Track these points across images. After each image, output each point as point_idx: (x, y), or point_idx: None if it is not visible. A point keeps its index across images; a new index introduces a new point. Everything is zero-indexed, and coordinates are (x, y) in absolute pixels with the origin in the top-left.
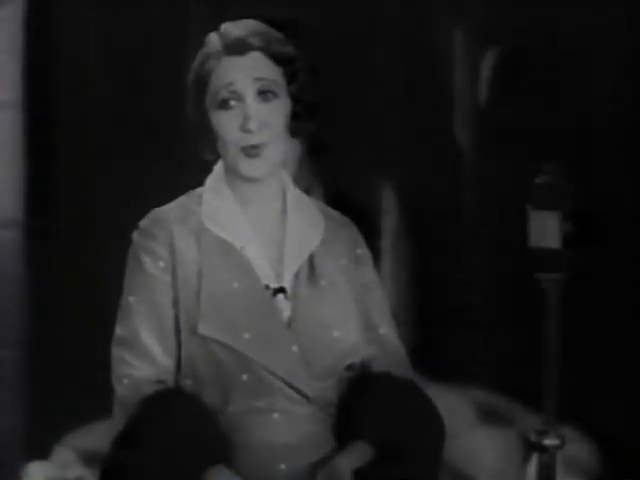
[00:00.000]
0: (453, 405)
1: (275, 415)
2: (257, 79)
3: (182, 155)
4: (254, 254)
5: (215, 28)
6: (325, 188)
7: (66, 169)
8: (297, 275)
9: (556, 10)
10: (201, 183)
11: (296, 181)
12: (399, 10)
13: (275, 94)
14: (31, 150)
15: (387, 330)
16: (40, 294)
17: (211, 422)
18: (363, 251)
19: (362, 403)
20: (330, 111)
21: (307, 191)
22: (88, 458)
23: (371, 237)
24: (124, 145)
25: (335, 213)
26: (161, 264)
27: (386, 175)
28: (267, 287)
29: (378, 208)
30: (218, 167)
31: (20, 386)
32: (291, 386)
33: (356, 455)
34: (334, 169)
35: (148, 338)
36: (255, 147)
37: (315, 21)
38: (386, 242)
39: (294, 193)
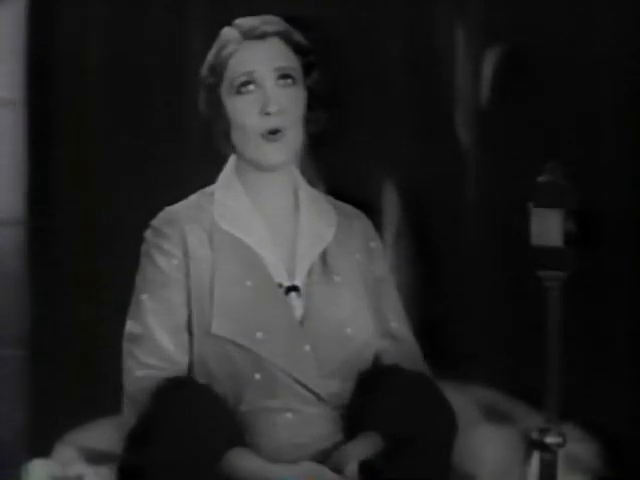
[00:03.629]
0: (455, 403)
1: (288, 415)
2: (277, 68)
3: (184, 155)
4: (267, 252)
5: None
6: (326, 185)
7: (66, 169)
8: (310, 272)
9: (557, 9)
10: (203, 183)
11: None
12: (401, 9)
13: (294, 81)
14: (32, 149)
15: (399, 324)
16: (40, 294)
17: (226, 407)
18: (376, 244)
19: (371, 394)
20: (332, 109)
21: None
22: (90, 456)
23: None
24: (125, 145)
25: (347, 207)
26: (175, 262)
27: (388, 172)
28: (280, 285)
29: (379, 205)
30: (229, 165)
31: (21, 385)
32: (303, 386)
33: (365, 444)
34: (335, 166)
35: (162, 336)
36: (275, 131)
37: (314, 21)
38: (387, 239)
39: (306, 189)
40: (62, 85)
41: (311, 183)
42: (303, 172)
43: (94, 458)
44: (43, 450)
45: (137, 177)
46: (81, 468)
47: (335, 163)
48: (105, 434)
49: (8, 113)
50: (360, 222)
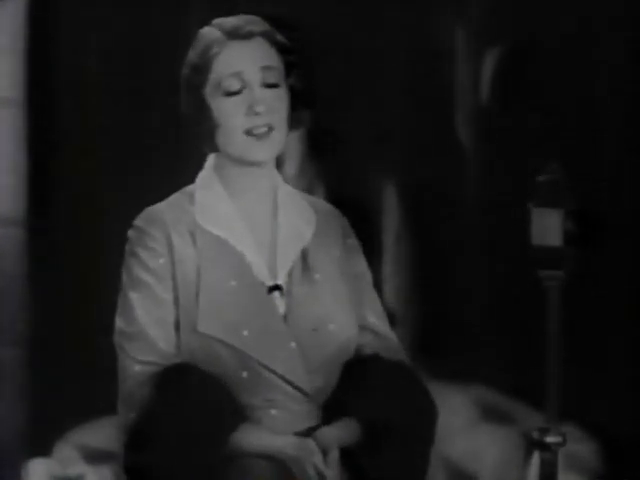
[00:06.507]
0: (454, 403)
1: (274, 412)
2: (264, 68)
3: (182, 154)
4: (249, 251)
5: None
6: (326, 187)
7: (66, 169)
8: (291, 272)
9: (557, 9)
10: None
11: (298, 179)
12: (400, 9)
13: (278, 82)
14: (31, 149)
15: (377, 319)
16: (40, 294)
17: (226, 386)
18: (353, 241)
19: (350, 383)
20: (332, 111)
21: (309, 189)
22: (90, 455)
23: (372, 236)
24: (124, 145)
25: (323, 204)
26: (161, 261)
27: (388, 174)
28: (263, 284)
29: (379, 207)
30: (208, 164)
31: (21, 384)
32: (290, 383)
33: (343, 429)
34: (336, 168)
35: (154, 333)
36: (263, 130)
37: (315, 21)
38: (387, 241)
39: (284, 189)
40: (62, 85)
41: (311, 186)
42: (303, 175)
43: (94, 457)
44: (43, 449)
45: (137, 177)
46: (81, 467)
47: (335, 165)
48: (105, 433)
49: (8, 113)
50: (336, 219)
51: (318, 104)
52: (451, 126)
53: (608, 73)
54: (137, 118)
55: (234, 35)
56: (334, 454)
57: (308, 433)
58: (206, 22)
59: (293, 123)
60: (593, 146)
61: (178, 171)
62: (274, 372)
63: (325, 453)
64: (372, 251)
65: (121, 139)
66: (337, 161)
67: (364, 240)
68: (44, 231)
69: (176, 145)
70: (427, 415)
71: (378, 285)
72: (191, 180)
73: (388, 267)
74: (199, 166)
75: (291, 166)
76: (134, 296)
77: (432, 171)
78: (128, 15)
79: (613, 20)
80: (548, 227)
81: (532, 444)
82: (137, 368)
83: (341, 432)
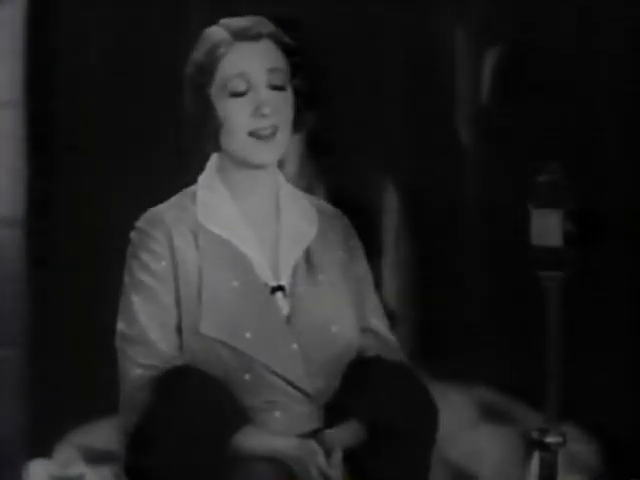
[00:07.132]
0: (455, 403)
1: (277, 414)
2: (270, 70)
3: (183, 154)
4: (252, 252)
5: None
6: (327, 187)
7: (66, 169)
8: (294, 272)
9: (557, 9)
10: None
11: (298, 180)
12: (400, 9)
13: (284, 84)
14: (31, 150)
15: (379, 321)
16: (40, 293)
17: (227, 388)
18: (355, 242)
19: (352, 384)
20: (332, 110)
21: (309, 190)
22: (90, 456)
23: (373, 235)
24: (124, 145)
25: (326, 206)
26: (163, 264)
27: (388, 174)
28: (266, 285)
29: (380, 207)
30: (210, 164)
31: (21, 385)
32: (292, 384)
33: (347, 431)
34: (336, 168)
35: (156, 336)
36: (268, 132)
37: (316, 21)
38: (387, 240)
39: (287, 188)
40: (62, 86)
41: (311, 185)
42: (303, 175)
43: (94, 458)
44: (43, 450)
45: (137, 178)
46: (81, 468)
47: (335, 165)
48: (105, 434)
49: (8, 113)
50: (339, 221)
51: (319, 104)
52: (451, 126)
53: (608, 73)
54: (137, 118)
55: (241, 36)
56: (337, 456)
57: (311, 436)
58: (206, 21)
59: (297, 125)
60: (593, 146)
61: (179, 171)
62: (276, 374)
63: (328, 455)
64: (372, 251)
65: (121, 139)
66: (337, 160)
67: (364, 240)
68: (44, 231)
69: (177, 145)
70: (428, 416)
71: (378, 285)
72: (193, 180)
73: (388, 267)
74: (200, 166)
75: (291, 166)
76: (136, 299)
77: (432, 171)
78: (128, 15)
79: (613, 20)
80: (548, 228)
81: (532, 444)
82: (138, 371)
83: (344, 434)
